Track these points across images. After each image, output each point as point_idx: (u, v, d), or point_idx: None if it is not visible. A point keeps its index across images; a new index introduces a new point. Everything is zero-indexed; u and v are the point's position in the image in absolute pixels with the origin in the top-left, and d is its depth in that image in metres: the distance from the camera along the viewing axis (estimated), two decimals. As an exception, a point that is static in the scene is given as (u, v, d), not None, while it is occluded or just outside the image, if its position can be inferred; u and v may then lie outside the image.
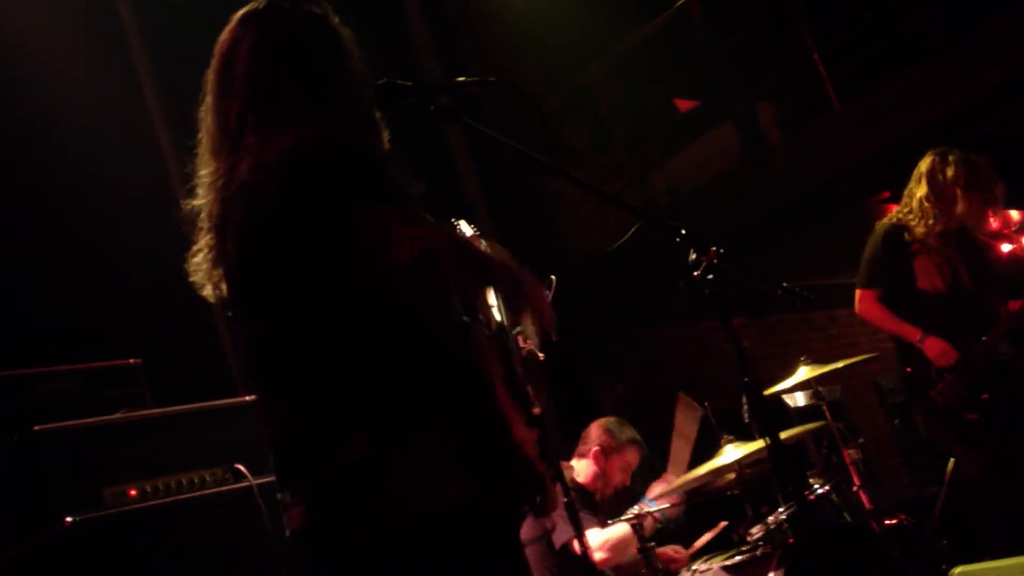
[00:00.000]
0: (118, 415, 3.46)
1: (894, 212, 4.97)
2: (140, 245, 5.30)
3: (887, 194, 8.48)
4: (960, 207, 4.74)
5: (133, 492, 3.28)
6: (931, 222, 4.76)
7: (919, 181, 4.85)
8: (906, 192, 4.93)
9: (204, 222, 2.23)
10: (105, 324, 5.01)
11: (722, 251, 2.90)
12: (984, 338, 4.67)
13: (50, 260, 5.18)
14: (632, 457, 4.83)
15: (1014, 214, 5.20)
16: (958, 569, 3.16)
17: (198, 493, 3.41)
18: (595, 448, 4.79)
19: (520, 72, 8.01)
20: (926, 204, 4.78)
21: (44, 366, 3.75)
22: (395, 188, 2.08)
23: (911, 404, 4.96)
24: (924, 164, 4.88)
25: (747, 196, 7.84)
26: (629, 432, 4.89)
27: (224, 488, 3.47)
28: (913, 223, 4.80)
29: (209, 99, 2.26)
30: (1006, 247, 5.01)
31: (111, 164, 5.48)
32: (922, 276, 4.77)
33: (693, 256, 2.92)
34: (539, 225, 8.66)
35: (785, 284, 3.15)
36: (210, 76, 2.26)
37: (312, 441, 2.01)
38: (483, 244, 2.51)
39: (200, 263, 2.24)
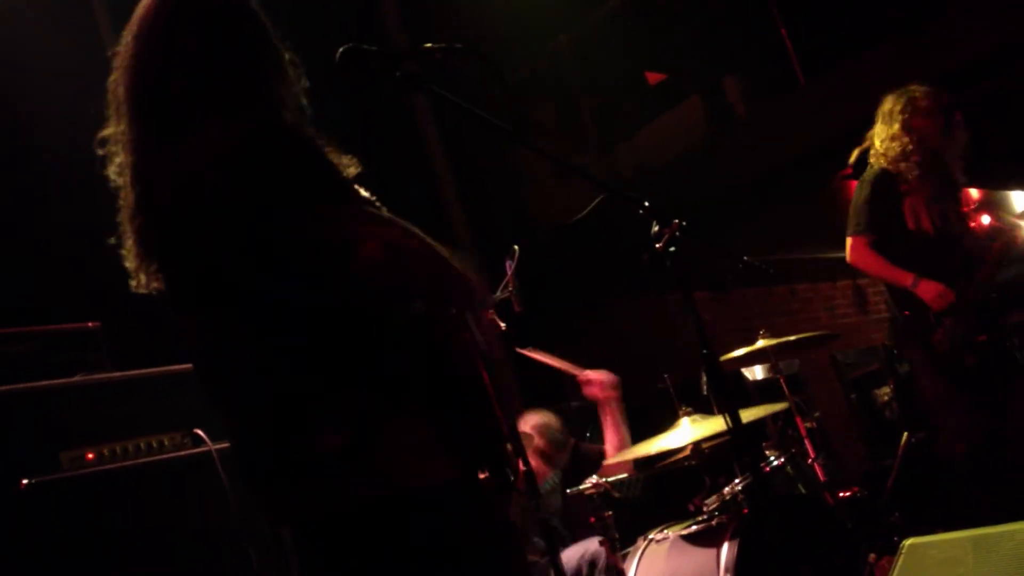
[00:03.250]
0: (76, 378, 3.44)
1: (872, 161, 4.96)
2: (99, 206, 5.23)
3: (850, 171, 8.54)
4: (926, 132, 4.80)
5: (90, 456, 3.27)
6: (908, 156, 4.79)
7: (884, 120, 4.92)
8: (875, 136, 4.95)
9: (125, 199, 2.13)
10: (64, 286, 4.95)
11: (684, 224, 2.91)
12: (976, 276, 4.68)
13: (7, 221, 5.10)
14: (541, 443, 4.81)
15: (973, 192, 5.26)
16: (909, 541, 3.21)
17: (156, 457, 3.40)
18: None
19: (488, 42, 7.97)
20: (900, 138, 4.83)
21: (1, 328, 3.71)
22: (340, 178, 2.05)
23: (904, 348, 4.97)
24: (884, 104, 4.96)
25: (712, 170, 7.87)
26: (536, 418, 4.89)
27: (183, 453, 3.46)
28: (894, 161, 4.81)
29: (132, 48, 2.14)
30: (964, 224, 5.05)
31: (69, 123, 5.38)
32: (911, 218, 4.78)
33: (656, 228, 2.93)
34: (505, 195, 8.65)
35: (746, 258, 3.17)
36: (137, 23, 2.16)
37: (288, 435, 1.96)
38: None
39: (131, 249, 2.14)
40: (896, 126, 4.87)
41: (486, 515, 2.09)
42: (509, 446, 2.18)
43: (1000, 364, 4.69)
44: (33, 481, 3.08)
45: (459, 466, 2.00)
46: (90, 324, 3.86)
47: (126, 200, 2.13)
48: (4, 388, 3.21)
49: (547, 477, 4.82)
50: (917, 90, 4.92)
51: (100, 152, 2.21)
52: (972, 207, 5.07)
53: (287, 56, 2.21)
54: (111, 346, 3.82)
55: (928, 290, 4.67)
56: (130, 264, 2.16)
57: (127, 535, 3.23)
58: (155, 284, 2.15)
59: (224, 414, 2.09)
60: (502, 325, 2.85)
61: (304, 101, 2.21)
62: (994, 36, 6.47)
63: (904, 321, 4.81)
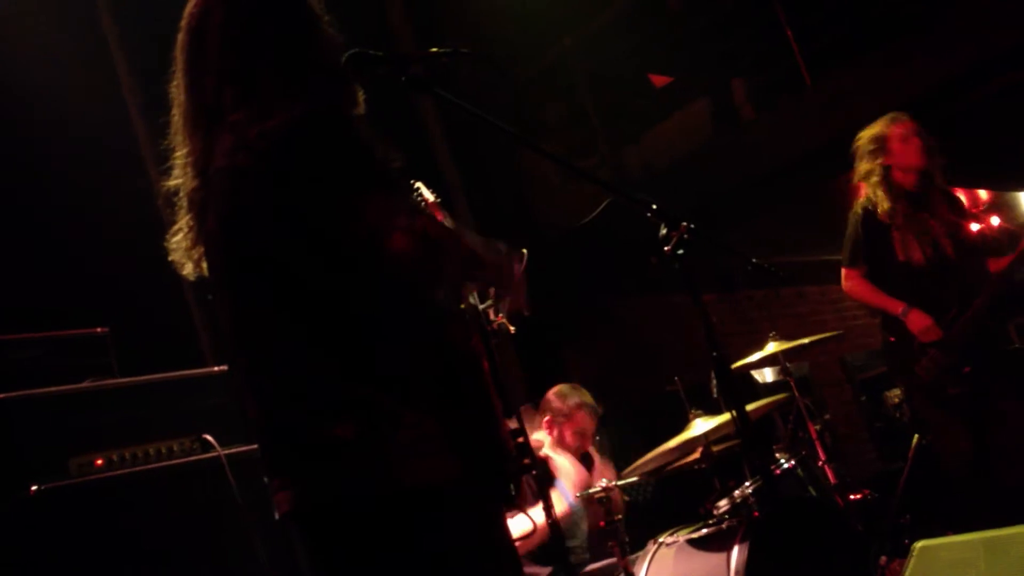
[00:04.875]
0: (85, 384, 3.44)
1: (864, 192, 5.02)
2: (109, 212, 5.25)
3: (858, 172, 8.51)
4: (899, 165, 4.84)
5: (100, 461, 3.27)
6: (884, 195, 4.84)
7: (860, 158, 4.99)
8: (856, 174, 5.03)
9: (182, 201, 2.21)
10: (72, 292, 4.96)
11: (693, 226, 2.91)
12: (968, 311, 4.68)
13: (17, 227, 5.12)
14: (583, 422, 4.79)
15: (983, 193, 5.25)
16: (921, 543, 3.20)
17: (165, 463, 3.40)
18: (546, 418, 4.78)
19: (495, 45, 7.97)
20: (872, 178, 4.90)
21: (10, 334, 3.71)
22: (384, 170, 2.07)
23: (893, 372, 5.01)
24: (858, 142, 5.02)
25: (719, 172, 7.85)
26: (578, 397, 4.84)
27: (192, 458, 3.45)
28: (876, 201, 4.87)
29: (180, 75, 2.22)
30: (974, 226, 5.04)
31: (79, 129, 5.41)
32: (900, 250, 4.81)
33: (664, 230, 2.93)
34: (512, 197, 8.65)
35: (755, 260, 3.17)
36: (179, 51, 2.22)
37: (300, 423, 1.99)
38: (445, 216, 2.51)
39: (180, 242, 2.23)
40: (866, 164, 4.93)
41: (484, 519, 2.08)
42: (519, 461, 2.17)
43: (988, 391, 4.68)
44: (42, 487, 3.08)
45: (462, 467, 1.99)
46: (99, 330, 3.86)
47: (184, 188, 2.20)
48: (13, 394, 3.21)
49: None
50: (882, 126, 4.96)
51: (163, 144, 2.27)
52: (981, 208, 5.06)
53: (336, 39, 2.25)
54: (119, 352, 3.82)
55: (916, 322, 4.71)
56: (176, 256, 2.25)
57: (136, 540, 3.22)
58: (200, 270, 2.24)
59: (247, 401, 2.11)
60: (511, 328, 2.85)
61: (350, 82, 2.25)
62: (1003, 36, 6.44)
63: (890, 347, 4.88)
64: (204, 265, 2.22)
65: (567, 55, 8.55)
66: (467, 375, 2.09)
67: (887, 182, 4.85)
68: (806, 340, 4.83)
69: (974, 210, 5.06)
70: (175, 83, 2.23)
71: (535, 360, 6.95)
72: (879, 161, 4.88)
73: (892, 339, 4.85)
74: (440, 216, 2.50)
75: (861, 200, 5.00)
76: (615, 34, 8.40)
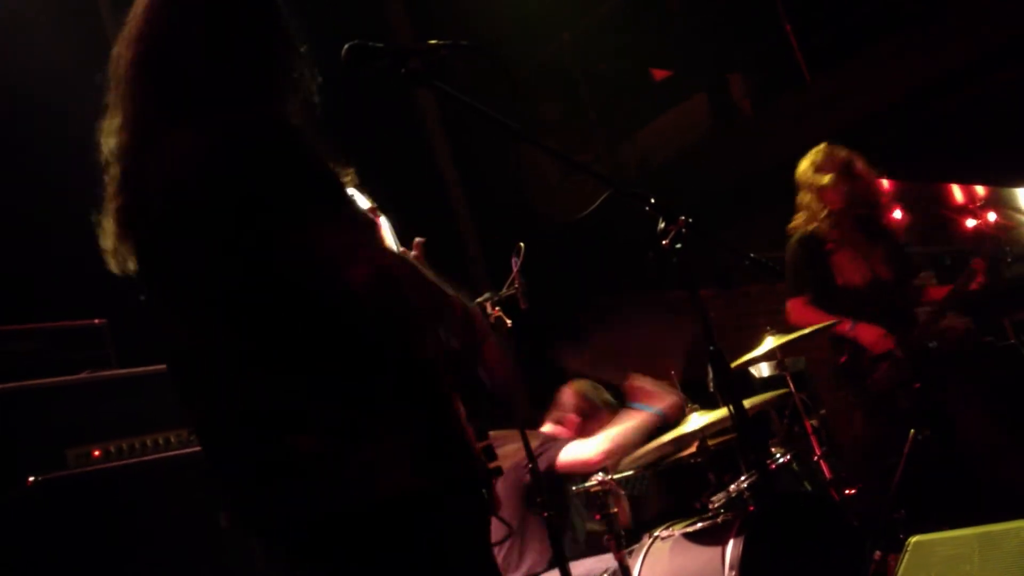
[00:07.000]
0: (82, 375, 3.45)
1: (798, 218, 5.10)
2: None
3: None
4: (829, 192, 4.95)
5: (97, 453, 3.28)
6: (820, 218, 4.95)
7: (799, 185, 5.09)
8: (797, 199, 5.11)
9: (112, 185, 2.10)
10: (70, 284, 4.95)
11: (690, 221, 2.91)
12: (913, 332, 4.81)
13: (14, 218, 5.11)
14: (608, 422, 4.80)
15: (979, 189, 5.26)
16: (915, 538, 3.21)
17: (162, 454, 3.41)
18: (571, 415, 4.75)
19: (493, 39, 7.97)
20: (812, 205, 5.00)
21: (8, 325, 3.71)
22: (336, 185, 1.98)
23: (845, 394, 5.07)
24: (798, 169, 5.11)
25: (717, 167, 7.86)
26: (604, 395, 4.83)
27: (189, 449, 3.46)
28: (817, 224, 4.95)
29: (123, 84, 2.10)
30: (971, 222, 5.06)
31: (76, 121, 5.39)
32: (838, 273, 4.91)
33: (662, 225, 2.92)
34: (510, 192, 8.65)
35: (752, 255, 3.17)
36: (119, 59, 2.12)
37: (262, 446, 1.91)
38: (385, 226, 2.40)
39: (108, 229, 2.12)
40: (803, 190, 5.04)
41: (460, 528, 2.03)
42: (487, 466, 2.13)
43: (937, 408, 4.79)
44: (39, 478, 3.09)
45: (429, 478, 1.94)
46: (96, 321, 3.87)
47: (112, 176, 2.10)
48: (10, 385, 3.22)
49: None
50: (816, 151, 5.07)
51: (98, 122, 2.17)
52: (978, 204, 5.08)
53: (301, 49, 2.16)
54: (117, 343, 3.83)
55: (867, 334, 4.79)
56: (107, 244, 2.13)
57: (133, 532, 3.23)
58: (131, 266, 2.12)
59: (197, 418, 2.05)
60: (508, 322, 2.85)
61: (316, 99, 2.15)
62: (1000, 33, 6.45)
63: (840, 367, 4.95)
64: (130, 266, 2.11)
65: (564, 51, 8.55)
66: (425, 384, 2.01)
67: (819, 213, 4.97)
68: (805, 330, 4.83)
69: (971, 206, 5.07)
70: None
71: (532, 356, 6.95)
72: (808, 190, 5.01)
73: (843, 359, 4.92)
74: (378, 220, 2.40)
75: (797, 226, 5.07)
76: (612, 30, 8.41)
